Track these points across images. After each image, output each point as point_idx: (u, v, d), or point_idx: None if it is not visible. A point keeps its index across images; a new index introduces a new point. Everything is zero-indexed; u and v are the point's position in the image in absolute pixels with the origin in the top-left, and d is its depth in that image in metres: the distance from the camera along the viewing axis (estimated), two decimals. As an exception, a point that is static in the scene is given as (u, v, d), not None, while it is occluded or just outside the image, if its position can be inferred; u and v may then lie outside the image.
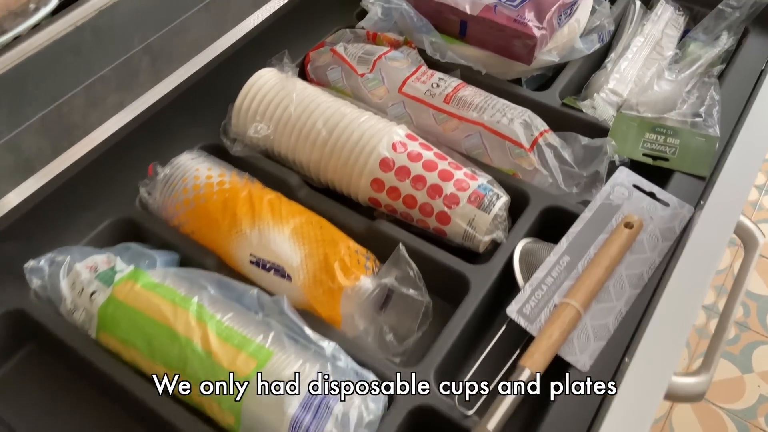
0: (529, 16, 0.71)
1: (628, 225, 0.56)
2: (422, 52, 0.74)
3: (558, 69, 0.76)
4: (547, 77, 0.77)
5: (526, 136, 0.63)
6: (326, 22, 0.79)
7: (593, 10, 0.79)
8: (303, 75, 0.74)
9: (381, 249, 0.58)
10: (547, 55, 0.73)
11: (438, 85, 0.67)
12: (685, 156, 0.64)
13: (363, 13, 0.78)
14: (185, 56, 0.65)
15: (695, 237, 0.52)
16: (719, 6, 0.76)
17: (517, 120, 0.63)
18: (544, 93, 0.72)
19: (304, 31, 0.79)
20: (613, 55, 0.77)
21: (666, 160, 0.65)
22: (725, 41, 0.76)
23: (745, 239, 0.56)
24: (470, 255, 0.60)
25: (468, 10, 0.71)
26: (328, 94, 0.66)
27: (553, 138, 0.64)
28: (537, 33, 0.69)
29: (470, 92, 0.66)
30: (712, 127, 0.66)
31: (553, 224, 0.61)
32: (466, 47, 0.74)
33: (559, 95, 0.72)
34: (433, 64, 0.73)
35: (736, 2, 0.75)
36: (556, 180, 0.62)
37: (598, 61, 0.78)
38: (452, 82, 0.67)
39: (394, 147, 0.61)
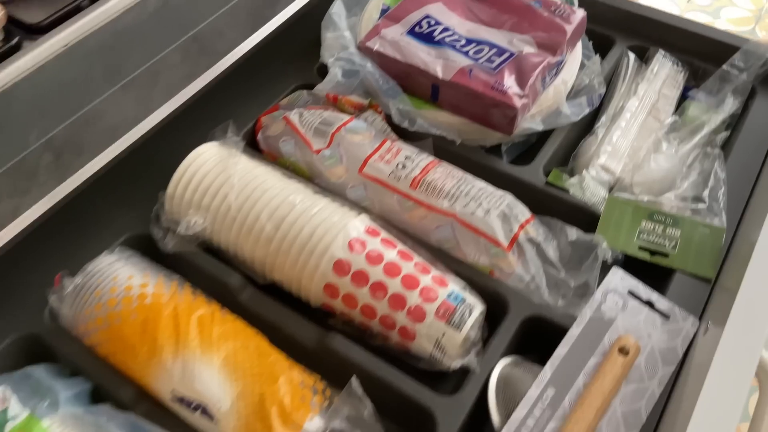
0: (509, 82, 0.62)
1: (622, 350, 0.48)
2: (390, 118, 0.65)
3: (543, 133, 0.67)
4: (530, 143, 0.69)
5: (505, 232, 0.54)
6: (282, 80, 0.70)
7: (582, 65, 0.71)
8: (255, 144, 0.65)
9: (334, 369, 0.49)
10: (530, 122, 0.65)
11: (404, 166, 0.58)
12: (688, 251, 0.56)
13: (324, 69, 0.69)
14: (99, 146, 0.55)
15: (708, 374, 0.44)
16: (723, 67, 0.68)
17: (494, 211, 0.54)
18: (527, 168, 0.63)
19: (257, 89, 0.70)
20: (604, 119, 0.69)
21: (665, 255, 0.56)
22: (730, 105, 0.68)
23: (762, 379, 0.47)
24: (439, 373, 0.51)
25: (440, 74, 0.63)
26: (278, 175, 0.57)
27: (536, 230, 0.55)
28: (518, 102, 0.61)
29: (440, 175, 0.57)
30: (717, 215, 0.58)
31: (536, 336, 0.53)
32: (438, 113, 0.65)
33: (544, 170, 0.63)
34: (402, 131, 0.65)
35: (743, 63, 0.67)
36: (539, 288, 0.53)
37: (587, 122, 0.69)
38: (421, 161, 0.58)
39: (350, 246, 0.52)
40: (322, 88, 0.64)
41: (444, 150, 0.64)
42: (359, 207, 0.57)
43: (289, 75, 0.71)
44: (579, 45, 0.71)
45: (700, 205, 0.59)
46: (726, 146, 0.67)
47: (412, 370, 0.50)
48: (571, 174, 0.66)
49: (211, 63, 0.69)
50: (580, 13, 0.68)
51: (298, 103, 0.66)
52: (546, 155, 0.64)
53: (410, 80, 0.65)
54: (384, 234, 0.54)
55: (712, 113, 0.67)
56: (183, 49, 0.68)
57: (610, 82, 0.74)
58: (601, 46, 0.74)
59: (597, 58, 0.71)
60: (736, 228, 0.58)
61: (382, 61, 0.65)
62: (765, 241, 0.52)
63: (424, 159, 0.59)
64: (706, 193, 0.60)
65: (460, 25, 0.68)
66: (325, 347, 0.51)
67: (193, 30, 0.69)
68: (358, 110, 0.66)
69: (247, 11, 0.75)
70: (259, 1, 0.75)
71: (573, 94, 0.69)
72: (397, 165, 0.58)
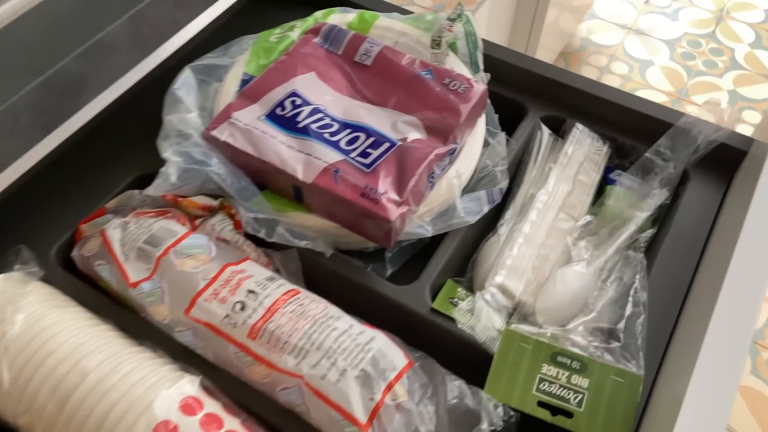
0: (385, 185, 0.50)
1: None
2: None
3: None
4: (424, 244, 0.57)
5: (364, 401, 0.42)
6: (117, 170, 0.57)
7: (486, 142, 0.59)
8: (70, 263, 0.52)
9: None
10: (415, 227, 0.53)
11: (243, 307, 0.45)
12: (597, 408, 0.45)
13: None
14: None
15: None
16: (647, 154, 0.57)
17: (351, 371, 0.42)
18: (410, 289, 0.51)
19: (81, 184, 0.56)
20: (510, 213, 0.57)
21: (569, 415, 0.45)
22: (658, 197, 0.57)
23: None
24: None
25: (300, 175, 0.50)
26: (80, 321, 0.44)
27: (407, 390, 0.44)
28: (393, 213, 0.49)
29: (289, 319, 0.45)
30: (634, 357, 0.47)
31: None
32: (306, 215, 0.53)
33: (432, 288, 0.52)
34: (261, 241, 0.52)
35: (670, 151, 0.56)
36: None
37: (493, 211, 0.58)
38: (267, 298, 0.46)
39: (156, 433, 0.39)
40: (150, 192, 0.51)
41: (313, 263, 0.52)
42: (192, 354, 0.45)
43: (126, 162, 0.57)
44: (481, 121, 0.59)
45: (614, 344, 0.48)
46: (652, 248, 0.56)
47: None
48: (470, 286, 0.54)
49: (22, 148, 0.56)
50: (479, 89, 0.56)
51: (130, 205, 0.53)
52: (434, 271, 0.52)
53: (269, 178, 0.53)
54: (209, 406, 0.42)
55: (635, 207, 0.56)
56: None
57: (521, 161, 0.62)
58: (510, 116, 0.63)
59: (503, 136, 0.60)
60: (656, 375, 0.47)
61: (232, 153, 0.53)
62: (693, 396, 0.41)
63: (273, 293, 0.46)
64: (622, 325, 0.49)
65: (334, 103, 0.56)
66: None
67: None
68: (207, 212, 0.54)
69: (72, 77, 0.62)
70: (91, 67, 0.61)
71: (473, 184, 0.58)
72: (235, 305, 0.45)
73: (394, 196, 0.50)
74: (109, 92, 0.64)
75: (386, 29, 0.64)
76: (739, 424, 0.93)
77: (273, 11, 0.75)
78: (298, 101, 0.55)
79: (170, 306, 0.46)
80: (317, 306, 0.47)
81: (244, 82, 0.58)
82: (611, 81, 1.64)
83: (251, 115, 0.54)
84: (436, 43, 0.63)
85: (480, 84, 0.57)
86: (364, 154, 0.52)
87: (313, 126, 0.53)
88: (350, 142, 0.53)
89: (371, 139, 0.53)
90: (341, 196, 0.49)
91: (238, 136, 0.53)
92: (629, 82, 1.63)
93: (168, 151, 0.53)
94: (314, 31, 0.62)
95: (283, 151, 0.52)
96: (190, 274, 0.47)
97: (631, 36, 1.76)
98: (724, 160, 0.58)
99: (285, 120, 0.54)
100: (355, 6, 0.71)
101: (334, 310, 0.47)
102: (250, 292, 0.46)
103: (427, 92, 0.56)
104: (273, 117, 0.54)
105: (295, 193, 0.52)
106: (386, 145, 0.53)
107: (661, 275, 0.53)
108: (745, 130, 1.42)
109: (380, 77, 0.58)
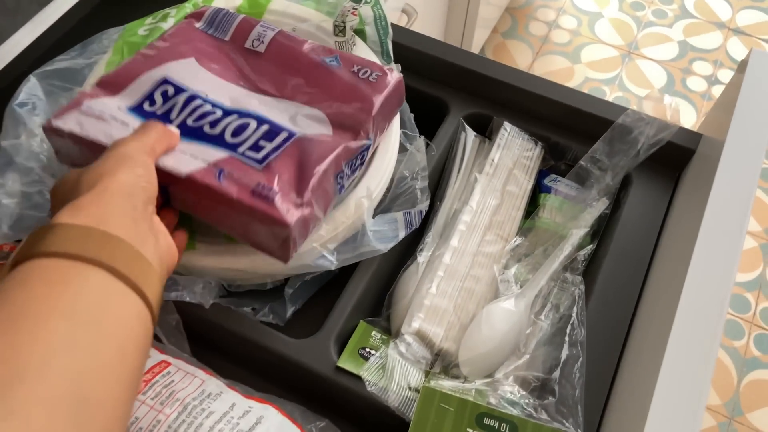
0: (281, 182, 0.41)
1: None
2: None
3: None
4: (331, 276, 0.49)
5: (246, 507, 0.35)
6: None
7: (402, 149, 0.51)
8: None
9: None
10: (318, 258, 0.44)
11: (97, 395, 0.37)
12: (529, 485, 0.39)
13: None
14: None
15: None
16: (581, 162, 0.49)
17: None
18: (310, 342, 0.43)
19: None
20: (431, 236, 0.50)
21: (498, 492, 0.39)
22: (597, 208, 0.50)
23: None
24: None
25: (170, 168, 0.40)
26: None
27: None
28: (292, 217, 0.40)
29: (149, 409, 0.37)
30: (572, 414, 0.40)
31: None
32: (186, 254, 0.44)
33: (338, 339, 0.44)
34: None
35: (607, 158, 0.48)
36: None
37: (410, 237, 0.50)
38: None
39: None
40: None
41: (194, 317, 0.44)
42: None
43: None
44: (396, 124, 0.51)
45: (549, 398, 0.41)
46: (591, 266, 0.49)
47: None
48: (388, 326, 0.47)
49: None
50: (394, 77, 0.47)
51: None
52: (341, 316, 0.45)
53: None
54: None
55: (572, 220, 0.49)
56: None
57: (443, 168, 0.55)
58: (429, 116, 0.55)
59: (421, 141, 0.51)
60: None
61: (79, 152, 0.42)
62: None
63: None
64: (557, 373, 0.42)
65: (219, 89, 0.46)
66: None
67: None
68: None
69: None
70: None
71: (388, 201, 0.49)
72: (86, 394, 0.37)
73: (292, 195, 0.41)
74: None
75: (282, 14, 0.55)
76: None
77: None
78: (171, 90, 0.45)
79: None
80: (190, 383, 0.39)
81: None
82: (560, 36, 1.56)
83: (110, 106, 0.44)
84: (339, 30, 0.53)
85: (395, 72, 0.48)
86: (256, 147, 0.42)
87: (189, 121, 0.43)
88: (237, 132, 0.43)
89: (264, 128, 0.43)
90: (226, 195, 0.40)
91: (88, 125, 0.42)
92: (578, 37, 1.55)
93: None
94: (196, 15, 0.51)
95: None
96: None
97: (579, -13, 1.66)
98: (669, 160, 0.51)
99: (155, 117, 0.44)
100: (247, -11, 0.60)
101: (212, 386, 0.39)
102: (107, 374, 0.38)
103: (332, 82, 0.47)
104: (139, 112, 0.44)
105: (163, 196, 0.42)
106: (283, 135, 0.43)
107: (602, 303, 0.46)
108: (689, 114, 1.33)
109: (276, 65, 0.48)
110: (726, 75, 1.42)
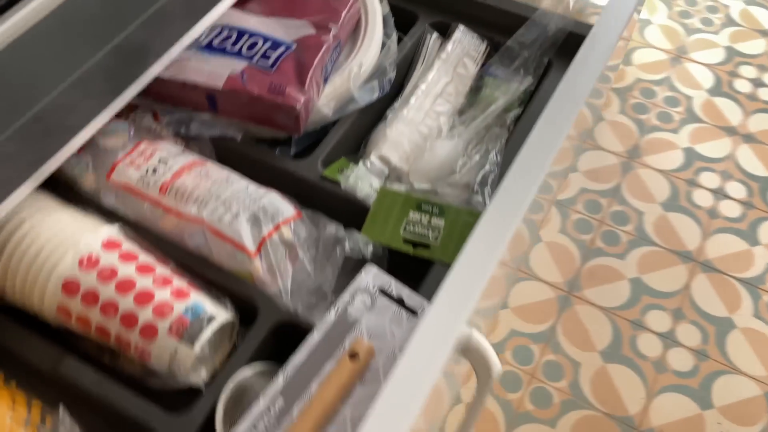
0: (288, 79, 0.59)
1: (353, 355, 0.47)
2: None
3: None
4: (326, 132, 0.66)
5: (253, 236, 0.52)
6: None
7: (386, 45, 0.68)
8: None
9: (66, 392, 0.48)
10: (319, 115, 0.62)
11: (155, 170, 0.55)
12: (448, 242, 0.55)
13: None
14: None
15: (405, 352, 0.41)
16: (508, 43, 0.66)
17: (243, 214, 0.52)
18: (304, 162, 0.61)
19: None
20: (398, 103, 0.67)
21: (427, 247, 0.55)
22: (524, 82, 0.66)
23: (476, 365, 0.45)
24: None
25: (210, 83, 0.59)
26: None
27: (293, 230, 0.53)
28: (299, 102, 0.58)
29: (193, 179, 0.54)
30: (487, 202, 0.57)
31: (291, 342, 0.51)
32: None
33: (324, 162, 0.61)
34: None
35: (527, 37, 0.65)
36: (286, 293, 0.51)
37: (385, 107, 0.67)
38: (176, 164, 0.55)
39: (81, 263, 0.49)
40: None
41: (224, 149, 0.61)
42: (115, 216, 0.55)
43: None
44: (379, 23, 0.68)
45: (476, 197, 0.57)
46: (517, 125, 0.65)
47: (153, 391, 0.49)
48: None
49: None
50: None
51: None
52: (326, 147, 0.62)
53: (183, 97, 0.60)
54: (127, 246, 0.51)
55: (504, 90, 0.66)
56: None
57: (412, 60, 0.72)
58: (404, 23, 0.72)
59: (395, 37, 0.69)
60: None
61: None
62: (487, 218, 0.50)
63: (180, 161, 0.56)
64: (478, 179, 0.58)
65: (227, 15, 0.65)
66: (60, 373, 0.49)
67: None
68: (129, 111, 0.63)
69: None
70: None
71: (369, 78, 0.67)
72: (148, 170, 0.55)
73: (297, 86, 0.59)
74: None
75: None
76: (742, 364, 1.01)
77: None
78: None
79: (95, 173, 0.55)
80: (220, 172, 0.56)
81: None
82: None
83: None
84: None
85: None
86: (265, 56, 0.61)
87: (215, 43, 0.62)
88: (251, 47, 0.62)
89: (269, 43, 0.62)
90: (252, 94, 0.58)
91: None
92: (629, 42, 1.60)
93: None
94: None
95: (191, 68, 0.60)
96: (110, 149, 0.56)
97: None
98: (574, 49, 0.67)
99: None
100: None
101: (235, 177, 0.56)
102: (161, 160, 0.56)
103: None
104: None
105: (209, 103, 0.61)
106: (283, 47, 0.62)
107: (514, 144, 0.62)
108: (736, 114, 1.37)
109: None
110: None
